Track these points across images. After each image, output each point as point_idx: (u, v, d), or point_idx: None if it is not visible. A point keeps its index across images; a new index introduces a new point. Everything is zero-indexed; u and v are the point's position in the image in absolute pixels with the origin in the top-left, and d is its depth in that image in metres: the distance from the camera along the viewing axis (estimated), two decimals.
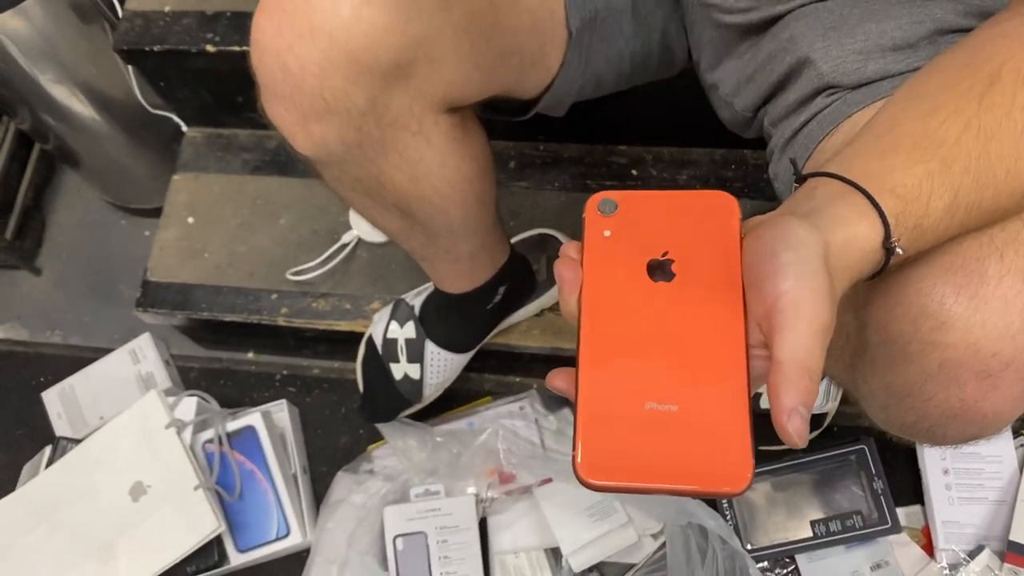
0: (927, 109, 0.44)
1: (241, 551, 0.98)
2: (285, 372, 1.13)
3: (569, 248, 0.42)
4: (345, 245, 1.08)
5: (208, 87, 1.11)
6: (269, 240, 1.12)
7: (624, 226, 0.41)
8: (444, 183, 0.65)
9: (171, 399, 1.02)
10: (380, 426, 1.01)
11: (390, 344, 0.94)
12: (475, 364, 1.00)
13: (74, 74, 1.09)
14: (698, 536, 0.89)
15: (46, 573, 0.95)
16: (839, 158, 0.44)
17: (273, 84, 0.55)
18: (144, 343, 1.13)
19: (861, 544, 0.91)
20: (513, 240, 0.99)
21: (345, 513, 0.99)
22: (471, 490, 0.98)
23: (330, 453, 1.06)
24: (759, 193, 1.04)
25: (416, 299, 0.94)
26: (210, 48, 1.02)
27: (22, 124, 1.21)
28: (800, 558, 0.92)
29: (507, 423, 1.02)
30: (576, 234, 0.42)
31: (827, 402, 0.91)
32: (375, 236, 1.07)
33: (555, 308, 1.00)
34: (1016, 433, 0.91)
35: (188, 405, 1.02)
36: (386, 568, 0.95)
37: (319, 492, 1.04)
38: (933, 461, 0.91)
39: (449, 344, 0.93)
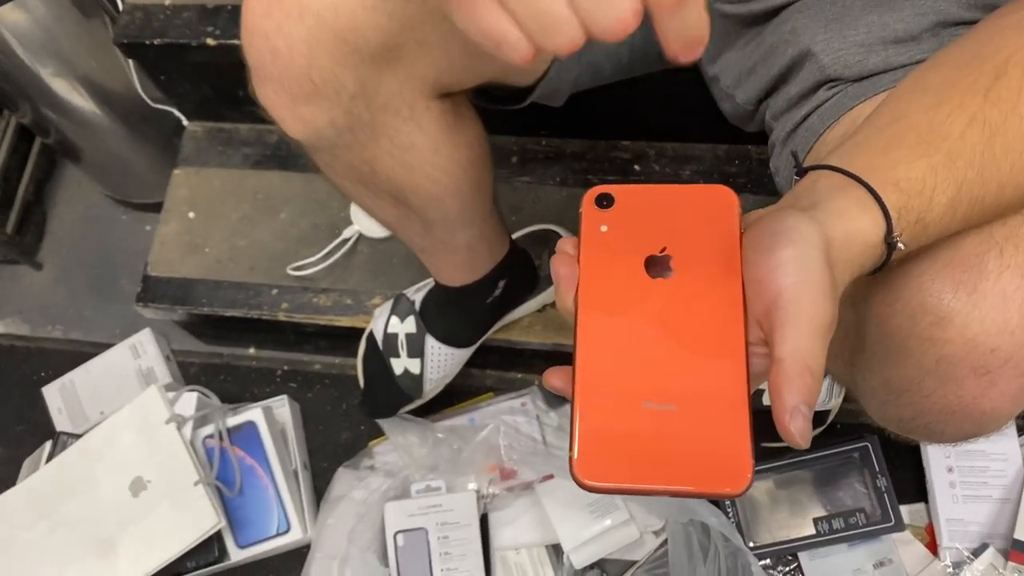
0: (932, 103, 0.43)
1: (241, 547, 0.98)
2: (286, 368, 1.12)
3: (565, 244, 0.41)
4: (346, 240, 1.07)
5: (209, 81, 1.10)
6: (270, 235, 1.11)
7: (622, 221, 0.41)
8: (437, 170, 0.65)
9: (171, 394, 1.01)
10: (381, 422, 1.01)
11: (391, 339, 0.93)
12: (477, 360, 1.00)
13: (75, 67, 1.09)
14: (700, 533, 0.88)
15: (46, 568, 0.95)
16: (841, 151, 0.43)
17: (262, 66, 0.54)
18: (145, 338, 1.13)
19: (864, 542, 0.90)
20: (515, 235, 0.98)
21: (346, 509, 0.99)
22: (472, 486, 0.98)
23: (331, 449, 1.06)
24: (763, 188, 1.03)
25: (417, 294, 0.94)
26: (210, 41, 1.01)
27: (23, 118, 1.21)
28: (803, 556, 0.91)
29: (508, 419, 1.01)
30: (577, 230, 0.41)
31: (830, 399, 0.90)
32: (376, 231, 1.07)
33: None
34: (1021, 431, 0.91)
35: (188, 400, 1.01)
36: (387, 564, 0.95)
37: (320, 488, 1.03)
38: (937, 459, 0.91)
39: (449, 339, 0.92)
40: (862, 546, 0.90)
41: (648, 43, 0.75)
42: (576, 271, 0.40)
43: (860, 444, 0.92)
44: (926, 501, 0.92)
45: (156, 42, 1.03)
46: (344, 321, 1.05)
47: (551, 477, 0.96)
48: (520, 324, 1.01)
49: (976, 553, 0.87)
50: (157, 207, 1.16)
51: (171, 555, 0.93)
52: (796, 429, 0.34)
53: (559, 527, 0.92)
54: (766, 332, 0.36)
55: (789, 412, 0.34)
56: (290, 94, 0.56)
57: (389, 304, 0.96)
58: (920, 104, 0.44)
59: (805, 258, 0.36)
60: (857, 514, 0.90)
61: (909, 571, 0.89)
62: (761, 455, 0.93)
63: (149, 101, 1.14)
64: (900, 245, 0.40)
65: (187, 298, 1.10)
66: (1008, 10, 0.48)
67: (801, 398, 0.34)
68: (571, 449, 0.36)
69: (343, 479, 1.01)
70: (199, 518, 0.94)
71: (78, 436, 1.02)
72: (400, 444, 1.00)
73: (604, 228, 0.41)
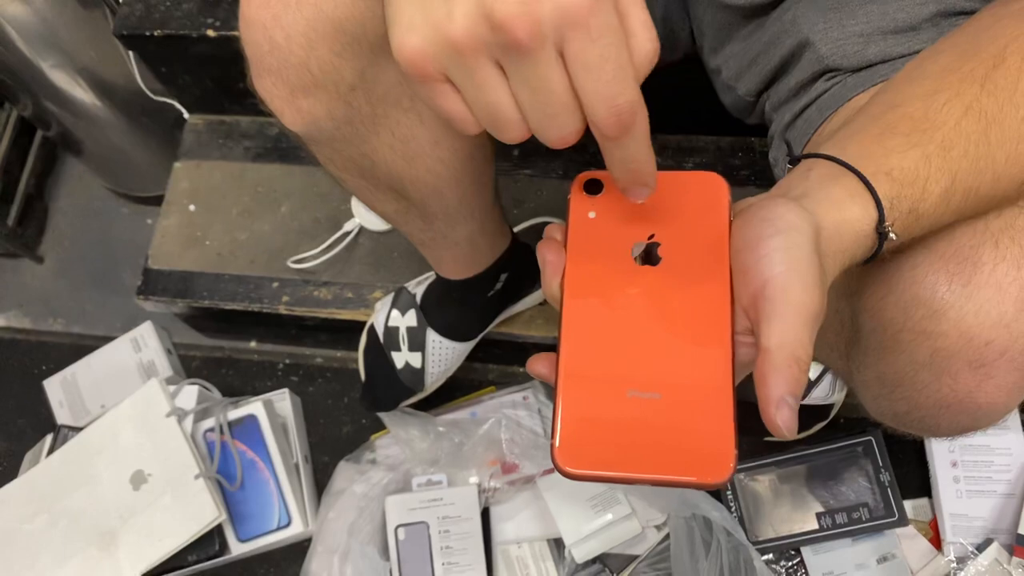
0: (928, 91, 0.43)
1: (242, 540, 0.97)
2: (288, 361, 1.12)
3: (553, 230, 0.41)
4: (347, 233, 1.07)
5: (209, 73, 1.10)
6: (270, 228, 1.11)
7: (610, 207, 0.40)
8: (438, 162, 0.64)
9: (172, 388, 1.01)
10: (382, 415, 1.01)
11: (392, 333, 0.93)
12: (479, 354, 1.00)
13: (75, 59, 1.08)
14: (702, 528, 0.88)
15: (47, 561, 0.95)
16: (836, 139, 0.43)
17: (260, 57, 0.54)
18: (146, 331, 1.13)
19: (867, 537, 0.90)
20: (516, 229, 0.98)
21: (347, 503, 0.99)
22: (473, 480, 0.98)
23: (332, 442, 1.06)
24: (766, 181, 1.03)
25: (418, 287, 0.93)
26: (211, 33, 1.01)
27: (24, 111, 1.21)
28: (805, 550, 0.91)
29: (510, 413, 1.01)
30: (565, 215, 0.41)
31: (833, 393, 0.89)
32: (377, 224, 1.07)
33: None
34: None
35: (189, 394, 1.01)
36: (387, 558, 0.95)
37: (321, 481, 1.03)
38: (941, 453, 0.90)
39: (451, 332, 0.92)
40: (865, 541, 0.90)
41: None
42: (563, 257, 0.39)
43: (863, 438, 0.92)
44: (930, 496, 0.91)
45: (156, 33, 1.03)
46: (345, 314, 1.05)
47: (552, 471, 0.95)
48: (522, 318, 1.00)
49: (980, 548, 0.87)
50: (158, 200, 1.16)
51: (172, 548, 0.93)
52: (782, 420, 0.33)
53: (560, 521, 0.92)
54: (752, 321, 0.36)
55: (775, 403, 0.33)
56: (288, 86, 0.55)
57: (390, 297, 0.95)
58: (916, 92, 0.43)
59: (793, 247, 0.35)
60: (860, 509, 0.90)
61: (913, 566, 0.88)
62: (764, 449, 0.93)
63: (150, 93, 1.13)
64: (892, 235, 0.40)
65: (187, 291, 1.09)
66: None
67: (787, 388, 0.33)
68: (553, 436, 0.36)
69: (344, 473, 1.01)
70: (200, 511, 0.93)
71: (79, 429, 1.02)
72: (401, 438, 1.00)
73: (592, 214, 0.40)
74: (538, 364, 0.39)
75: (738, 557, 0.87)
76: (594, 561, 0.92)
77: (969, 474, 0.89)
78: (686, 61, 0.79)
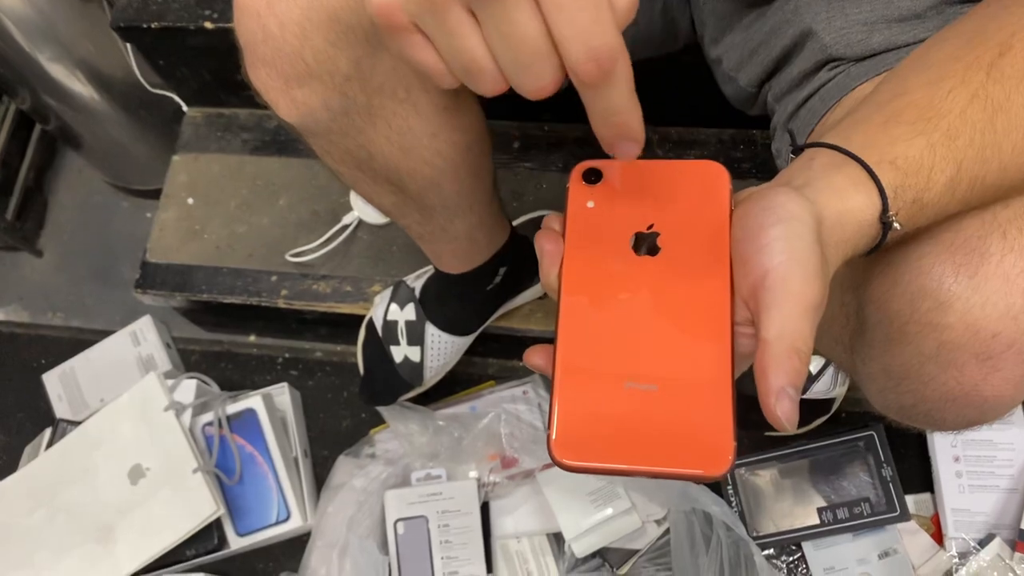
0: (933, 78, 0.42)
1: (241, 535, 0.97)
2: (287, 355, 1.12)
3: (551, 219, 0.40)
4: (346, 226, 1.06)
5: (207, 65, 1.09)
6: (269, 221, 1.10)
7: (609, 197, 0.40)
8: (435, 154, 0.63)
9: (170, 382, 1.01)
10: (381, 409, 1.00)
11: (390, 327, 0.93)
12: (478, 348, 0.99)
13: (72, 52, 1.08)
14: (702, 522, 0.88)
15: (45, 555, 0.95)
16: (839, 128, 0.42)
17: (254, 47, 0.53)
18: (145, 325, 1.12)
19: (869, 532, 0.89)
20: (516, 222, 0.97)
21: (346, 497, 0.98)
22: (473, 474, 0.97)
23: (331, 437, 1.05)
24: (768, 174, 1.01)
25: (417, 281, 0.93)
26: (208, 25, 1.00)
27: (22, 104, 1.20)
28: (806, 545, 0.90)
29: (510, 407, 1.00)
30: (564, 205, 0.41)
31: (834, 387, 0.89)
32: (376, 218, 1.06)
33: None
34: None
35: (187, 388, 1.01)
36: (386, 552, 0.95)
37: (320, 476, 1.03)
38: (943, 448, 0.90)
39: (449, 327, 0.91)
40: (867, 536, 0.89)
41: (651, 24, 0.73)
42: (561, 247, 0.39)
43: (865, 433, 0.91)
44: (932, 491, 0.91)
45: (153, 25, 1.02)
46: (344, 308, 1.04)
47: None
48: (521, 312, 1.00)
49: (982, 543, 0.86)
50: (157, 194, 1.16)
51: (170, 543, 0.93)
52: (782, 412, 0.33)
53: (560, 516, 0.91)
54: (752, 312, 0.35)
55: (775, 395, 0.33)
56: (283, 76, 0.55)
57: (389, 291, 0.95)
58: (921, 80, 0.42)
59: (794, 236, 0.35)
60: (862, 504, 0.89)
61: (914, 561, 0.88)
62: (764, 444, 0.92)
63: (148, 86, 1.13)
64: (896, 225, 0.39)
65: (186, 284, 1.09)
66: None
67: (788, 380, 0.33)
68: (550, 428, 0.35)
69: (343, 467, 1.01)
70: (198, 506, 0.93)
71: (78, 423, 1.02)
72: (401, 432, 0.99)
73: (591, 204, 0.40)
74: (535, 356, 0.38)
75: (738, 552, 0.86)
76: (594, 555, 0.92)
77: (972, 469, 0.89)
78: (687, 52, 0.78)
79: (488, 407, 1.01)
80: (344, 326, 1.06)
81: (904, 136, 0.40)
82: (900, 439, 0.91)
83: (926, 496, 0.91)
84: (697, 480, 0.34)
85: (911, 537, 0.89)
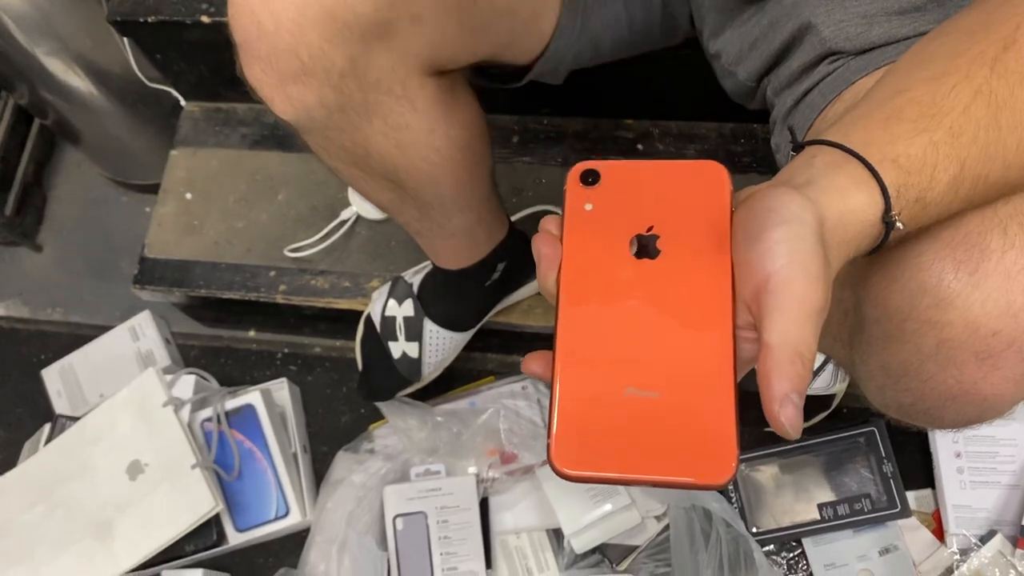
0: (935, 74, 0.41)
1: (240, 530, 0.97)
2: (286, 350, 1.11)
3: (549, 222, 0.40)
4: (344, 222, 1.06)
5: (205, 59, 1.09)
6: (267, 216, 1.10)
7: (607, 198, 0.39)
8: (432, 151, 0.63)
9: (169, 377, 1.01)
10: (380, 405, 1.00)
11: (388, 322, 0.92)
12: (477, 343, 0.99)
13: (70, 47, 1.07)
14: (702, 519, 0.87)
15: (43, 551, 0.95)
16: (840, 125, 0.41)
17: (249, 43, 0.53)
18: (144, 321, 1.12)
19: (869, 528, 0.89)
20: (515, 217, 0.97)
21: (345, 493, 0.98)
22: (472, 470, 0.97)
23: (331, 432, 1.05)
24: (769, 168, 1.01)
25: (415, 277, 0.92)
26: (205, 19, 1.00)
27: (21, 99, 1.20)
28: (807, 542, 0.90)
29: (509, 403, 1.00)
30: (561, 207, 0.40)
31: (835, 383, 0.88)
32: (374, 213, 1.06)
33: None
34: None
35: (186, 383, 1.01)
36: (385, 548, 0.94)
37: (319, 471, 1.02)
38: (944, 444, 0.89)
39: (448, 323, 0.91)
40: (867, 532, 0.89)
41: (650, 18, 0.72)
42: (558, 251, 0.38)
43: (866, 429, 0.91)
44: (933, 487, 0.91)
45: (150, 19, 1.01)
46: (342, 303, 1.04)
47: None
48: (520, 307, 0.99)
49: (984, 540, 0.86)
50: (156, 188, 1.15)
51: (168, 538, 0.92)
52: (786, 418, 0.32)
53: (560, 511, 0.91)
54: (755, 316, 0.35)
55: (779, 400, 0.32)
56: (278, 73, 0.54)
57: (387, 287, 0.94)
58: (923, 76, 0.42)
59: (796, 239, 0.34)
60: (862, 500, 0.89)
61: (915, 558, 0.88)
62: (765, 440, 0.92)
63: (146, 81, 1.12)
64: (899, 225, 0.38)
65: (184, 280, 1.09)
66: None
67: (791, 386, 0.32)
68: (549, 436, 0.35)
69: (343, 462, 1.01)
70: (197, 501, 0.93)
71: (76, 419, 1.02)
72: (400, 427, 0.99)
73: (589, 206, 0.39)
74: (533, 363, 0.38)
75: (737, 548, 0.86)
76: (593, 551, 0.92)
77: (973, 465, 0.88)
78: (686, 46, 0.78)
79: (487, 403, 1.01)
80: (343, 321, 1.06)
81: (906, 134, 0.39)
82: (901, 435, 0.91)
83: (927, 492, 0.91)
84: (699, 488, 0.34)
85: (912, 533, 0.89)
